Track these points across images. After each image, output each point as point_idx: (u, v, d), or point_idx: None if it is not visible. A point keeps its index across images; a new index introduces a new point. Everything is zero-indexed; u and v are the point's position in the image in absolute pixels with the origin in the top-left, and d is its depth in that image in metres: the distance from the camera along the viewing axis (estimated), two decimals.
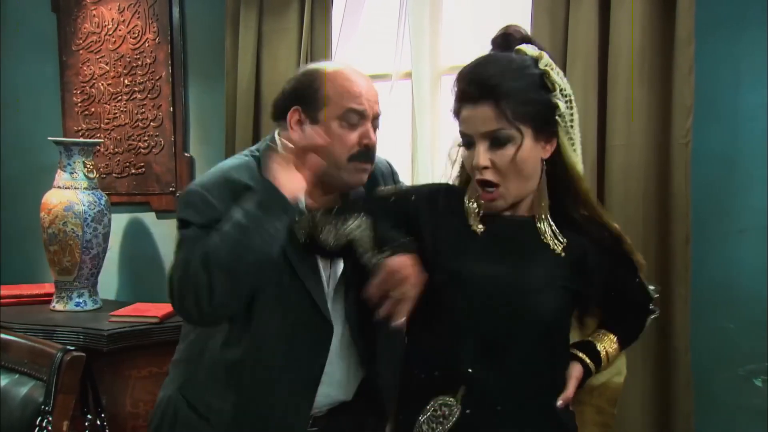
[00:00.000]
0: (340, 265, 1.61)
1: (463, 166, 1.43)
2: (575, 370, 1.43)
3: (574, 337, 1.52)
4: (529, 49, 1.33)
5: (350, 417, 1.64)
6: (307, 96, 1.54)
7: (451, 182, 1.48)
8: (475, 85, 1.28)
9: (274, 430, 1.54)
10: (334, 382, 1.59)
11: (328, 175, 1.57)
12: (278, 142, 1.57)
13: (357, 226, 1.39)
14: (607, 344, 1.48)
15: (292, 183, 1.42)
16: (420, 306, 1.36)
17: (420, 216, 1.40)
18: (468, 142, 1.32)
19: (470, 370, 1.31)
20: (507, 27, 1.38)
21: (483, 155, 1.28)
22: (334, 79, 1.54)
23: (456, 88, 1.33)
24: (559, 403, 1.39)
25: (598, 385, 1.53)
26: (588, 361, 1.45)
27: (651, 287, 1.49)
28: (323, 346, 1.54)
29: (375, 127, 1.58)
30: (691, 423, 1.95)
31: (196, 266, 1.37)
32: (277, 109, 1.61)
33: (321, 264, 1.58)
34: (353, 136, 1.54)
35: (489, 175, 1.30)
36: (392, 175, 1.79)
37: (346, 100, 1.53)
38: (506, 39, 1.36)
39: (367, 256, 1.36)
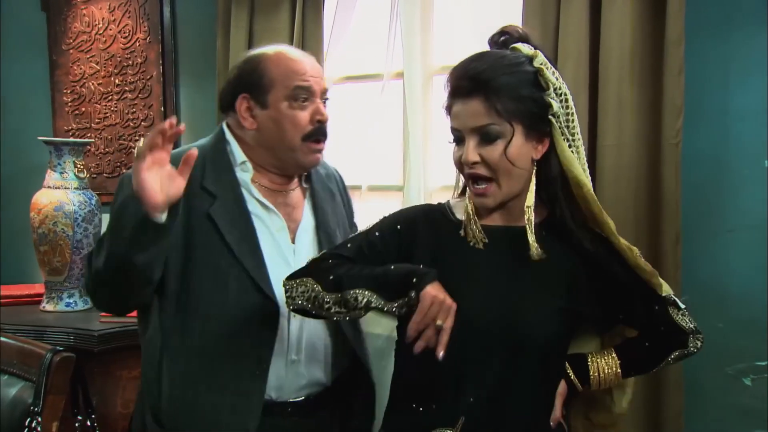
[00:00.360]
0: (307, 239, 1.60)
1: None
2: (561, 387, 1.42)
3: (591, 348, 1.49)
4: (525, 48, 1.32)
5: (332, 408, 1.63)
6: (252, 82, 1.54)
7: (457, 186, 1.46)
8: (467, 80, 1.27)
9: (226, 419, 1.49)
10: (315, 361, 1.57)
11: (282, 159, 1.58)
12: (226, 132, 1.60)
13: (365, 304, 1.28)
14: (605, 364, 1.43)
15: (150, 186, 1.27)
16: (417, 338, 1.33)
17: (414, 243, 1.37)
18: (458, 137, 1.31)
19: (472, 399, 1.30)
20: (505, 26, 1.38)
21: (472, 150, 1.27)
22: (277, 61, 1.55)
23: (448, 84, 1.32)
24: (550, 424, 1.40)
25: (593, 401, 1.51)
26: (573, 377, 1.43)
27: (684, 320, 1.39)
28: (270, 326, 1.52)
29: (323, 102, 1.58)
30: (681, 421, 1.96)
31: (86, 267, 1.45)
32: (224, 100, 1.61)
33: (282, 241, 1.57)
34: (305, 115, 1.54)
35: (480, 169, 1.28)
36: (342, 182, 1.81)
37: (292, 79, 1.53)
38: (503, 38, 1.36)
39: (388, 308, 1.28)
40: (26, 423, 1.67)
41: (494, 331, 1.30)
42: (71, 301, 2.78)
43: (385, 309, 1.27)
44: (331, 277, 1.33)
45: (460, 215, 1.38)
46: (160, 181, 1.28)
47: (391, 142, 2.57)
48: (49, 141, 2.79)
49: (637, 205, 1.99)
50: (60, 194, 2.72)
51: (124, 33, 3.07)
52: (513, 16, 2.20)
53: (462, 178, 1.41)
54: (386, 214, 1.45)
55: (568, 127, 1.32)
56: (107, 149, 3.16)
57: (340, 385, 1.63)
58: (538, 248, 1.30)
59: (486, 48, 1.38)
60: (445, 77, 1.34)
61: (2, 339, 1.88)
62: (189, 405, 1.50)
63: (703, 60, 1.98)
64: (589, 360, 1.44)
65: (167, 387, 1.52)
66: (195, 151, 1.31)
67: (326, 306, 1.33)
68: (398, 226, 1.39)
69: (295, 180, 1.65)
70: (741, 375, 1.97)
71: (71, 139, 2.98)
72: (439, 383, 1.32)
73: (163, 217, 1.30)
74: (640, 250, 1.45)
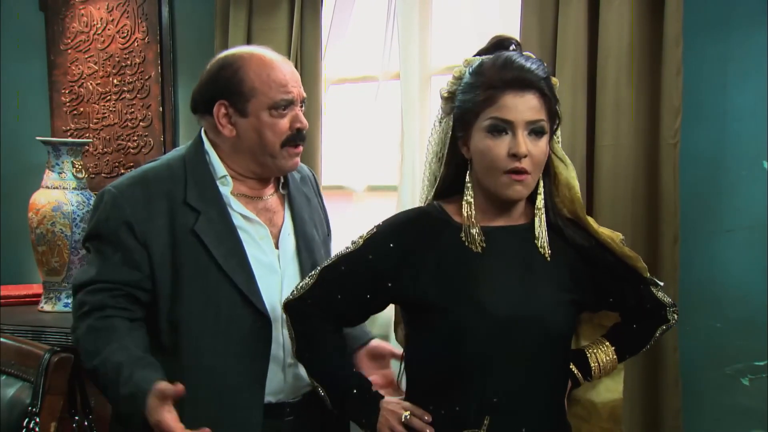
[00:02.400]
0: (290, 243, 1.61)
1: (446, 165, 1.41)
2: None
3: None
4: (533, 56, 1.35)
5: (323, 405, 1.62)
6: (231, 88, 1.52)
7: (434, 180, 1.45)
8: (525, 74, 1.28)
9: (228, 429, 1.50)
10: None
11: (261, 164, 1.57)
12: (205, 141, 1.58)
13: (320, 395, 1.45)
14: (602, 355, 1.47)
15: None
16: (432, 341, 1.35)
17: (413, 255, 1.36)
18: (501, 129, 1.28)
19: (495, 399, 1.31)
20: (500, 35, 1.39)
21: (524, 143, 1.27)
22: (257, 69, 1.52)
23: (495, 75, 1.29)
24: None
25: (600, 405, 1.53)
26: (576, 372, 1.46)
27: (664, 296, 1.47)
28: (263, 338, 1.52)
29: (301, 107, 1.58)
30: (679, 421, 1.96)
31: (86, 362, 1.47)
32: (198, 102, 1.59)
33: (267, 248, 1.57)
34: (284, 122, 1.54)
35: (526, 163, 1.28)
36: (316, 183, 1.81)
37: (274, 91, 1.51)
38: (504, 44, 1.37)
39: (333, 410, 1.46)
40: (24, 423, 1.67)
41: (516, 329, 1.31)
42: (69, 301, 2.77)
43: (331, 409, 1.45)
44: (306, 355, 1.44)
45: (458, 218, 1.37)
46: None
47: (388, 143, 2.57)
48: (47, 141, 2.79)
49: (635, 205, 1.99)
50: (58, 194, 2.72)
51: (123, 33, 3.06)
52: (511, 17, 2.20)
53: (426, 176, 1.44)
54: (378, 225, 1.42)
55: (557, 130, 1.38)
56: (105, 149, 3.16)
57: None
58: (548, 248, 1.35)
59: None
60: (483, 66, 1.32)
61: (1, 339, 1.87)
62: (188, 422, 1.47)
63: (701, 60, 1.99)
64: (588, 353, 1.48)
65: None
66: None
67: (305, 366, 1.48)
68: (390, 245, 1.37)
69: (272, 185, 1.65)
70: (739, 375, 1.98)
71: (69, 139, 2.98)
72: (463, 385, 1.32)
73: None
74: (638, 251, 1.48)
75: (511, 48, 1.36)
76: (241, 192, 1.59)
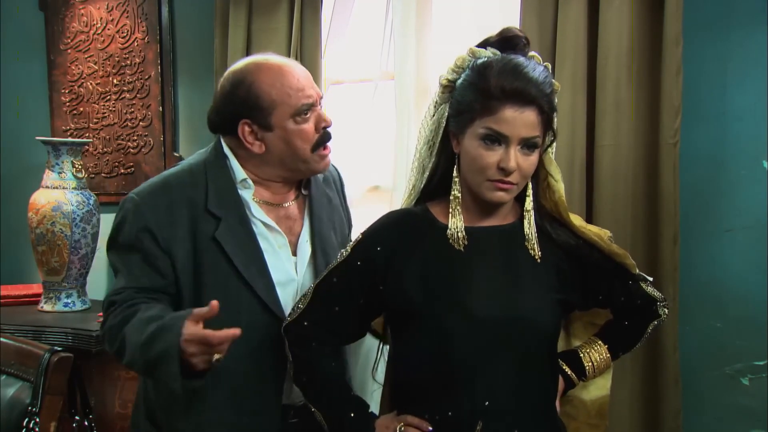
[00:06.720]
0: (307, 250, 1.61)
1: (437, 155, 1.40)
2: (559, 384, 1.45)
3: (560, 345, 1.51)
4: (539, 57, 1.33)
5: None
6: (249, 106, 1.51)
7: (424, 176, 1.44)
8: (529, 89, 1.25)
9: None
10: None
11: (293, 170, 1.57)
12: (224, 147, 1.57)
13: (318, 419, 1.43)
14: (596, 354, 1.47)
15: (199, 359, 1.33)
16: (419, 347, 1.35)
17: (396, 262, 1.36)
18: (495, 140, 1.27)
19: (487, 403, 1.30)
20: (511, 29, 1.35)
21: (514, 159, 1.27)
22: (270, 80, 1.51)
23: (498, 84, 1.25)
24: None
25: (589, 402, 1.54)
26: (570, 372, 1.46)
27: (654, 291, 1.47)
28: (282, 344, 1.51)
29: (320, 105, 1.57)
30: (678, 421, 1.96)
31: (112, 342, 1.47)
32: (218, 124, 1.57)
33: (285, 256, 1.57)
34: (310, 126, 1.53)
35: (514, 177, 1.28)
36: (341, 184, 1.79)
37: (294, 98, 1.50)
38: (513, 42, 1.33)
39: None
40: (24, 423, 1.67)
41: (502, 330, 1.30)
42: (69, 301, 2.77)
43: None
44: (304, 379, 1.44)
45: (443, 219, 1.37)
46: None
47: (383, 144, 2.56)
48: (47, 141, 2.79)
49: (635, 205, 1.99)
50: (58, 194, 2.72)
51: (123, 33, 3.06)
52: (511, 18, 2.19)
53: (416, 158, 1.43)
54: (363, 232, 1.42)
55: (552, 141, 1.37)
56: (105, 149, 3.16)
57: None
58: (538, 249, 1.34)
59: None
60: (488, 73, 1.27)
61: (0, 339, 1.87)
62: (208, 425, 1.51)
63: (701, 60, 1.99)
64: (581, 353, 1.48)
65: (182, 408, 1.51)
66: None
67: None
68: (378, 248, 1.37)
69: (294, 190, 1.64)
70: (739, 375, 1.98)
71: (69, 139, 2.98)
72: (453, 389, 1.32)
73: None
74: (638, 251, 1.47)
75: (519, 46, 1.32)
76: (263, 198, 1.58)
